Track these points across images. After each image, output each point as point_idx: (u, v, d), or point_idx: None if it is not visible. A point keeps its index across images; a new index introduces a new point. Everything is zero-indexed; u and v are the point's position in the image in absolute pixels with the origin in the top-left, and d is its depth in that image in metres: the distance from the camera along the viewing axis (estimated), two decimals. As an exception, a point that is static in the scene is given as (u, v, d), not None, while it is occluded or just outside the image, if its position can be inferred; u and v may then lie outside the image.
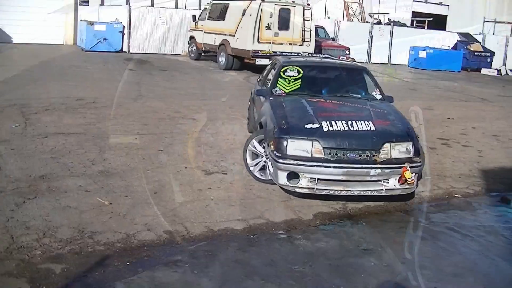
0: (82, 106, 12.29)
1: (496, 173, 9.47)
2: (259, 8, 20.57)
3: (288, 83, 8.79)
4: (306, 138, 7.05)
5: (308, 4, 22.00)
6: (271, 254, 5.53)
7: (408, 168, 7.09)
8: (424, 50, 31.10)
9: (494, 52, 33.87)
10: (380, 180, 7.14)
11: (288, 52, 16.44)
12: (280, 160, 6.93)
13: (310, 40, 21.81)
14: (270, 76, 9.64)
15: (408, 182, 7.16)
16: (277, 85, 8.78)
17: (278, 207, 6.92)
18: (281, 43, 21.07)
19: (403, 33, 33.49)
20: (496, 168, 9.78)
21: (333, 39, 27.50)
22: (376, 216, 6.97)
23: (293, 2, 21.34)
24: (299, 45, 21.38)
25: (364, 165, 7.00)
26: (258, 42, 20.74)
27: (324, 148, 6.99)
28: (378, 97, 8.93)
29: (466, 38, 34.48)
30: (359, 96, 8.93)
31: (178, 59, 25.50)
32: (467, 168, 9.55)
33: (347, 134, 7.17)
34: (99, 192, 6.89)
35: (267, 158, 7.60)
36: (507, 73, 33.26)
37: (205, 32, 23.93)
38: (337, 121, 7.32)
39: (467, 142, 11.73)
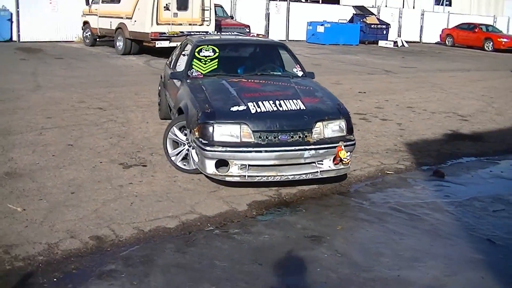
0: (-26, 101, 11.23)
1: (421, 146, 9.35)
2: (156, -12, 19.71)
3: (205, 64, 8.22)
4: (233, 122, 6.54)
5: (207, -17, 21.31)
6: (214, 254, 5.00)
7: (343, 147, 6.75)
8: (322, 25, 31.20)
9: (389, 24, 34.52)
10: (314, 162, 6.76)
11: (196, 32, 15.73)
12: (207, 148, 6.39)
13: (210, 20, 21.20)
14: (182, 58, 9.04)
15: (343, 162, 6.84)
16: (193, 66, 8.19)
17: (208, 199, 6.39)
18: (181, 24, 20.33)
19: (299, 8, 33.48)
20: (419, 141, 9.66)
21: (231, 17, 26.96)
22: (313, 201, 6.58)
23: (191, -20, 20.64)
24: (199, 25, 20.77)
25: (297, 147, 6.59)
26: (157, 24, 19.89)
27: (253, 131, 6.51)
28: (300, 73, 8.54)
29: (362, 11, 34.91)
30: (280, 73, 8.51)
31: (73, 46, 24.26)
32: (392, 143, 9.36)
33: (277, 115, 6.72)
34: (9, 198, 6.12)
35: (190, 146, 7.06)
36: (403, 45, 33.97)
37: (99, 16, 22.77)
38: (264, 102, 6.86)
39: (384, 115, 11.60)
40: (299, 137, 6.64)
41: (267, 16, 31.65)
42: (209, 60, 8.26)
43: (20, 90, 12.64)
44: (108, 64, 18.85)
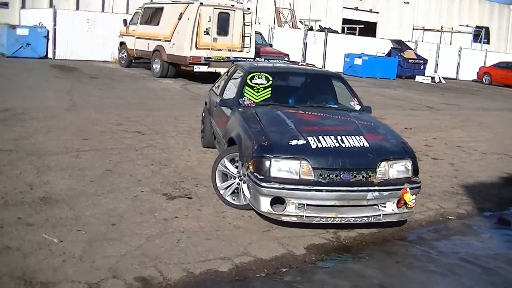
0: (9, 118, 10.85)
1: (479, 189, 8.70)
2: (197, 12, 19.42)
3: (257, 92, 7.73)
4: (292, 157, 5.98)
5: (248, 8, 20.99)
6: (277, 307, 4.42)
7: (408, 190, 6.16)
8: (359, 57, 30.69)
9: (427, 60, 33.92)
10: (377, 205, 6.18)
11: (242, 58, 15.19)
12: (263, 184, 5.83)
13: (250, 46, 20.85)
14: (231, 85, 8.57)
15: (408, 206, 6.24)
16: (245, 94, 7.69)
17: (261, 239, 5.81)
18: (220, 49, 20.01)
19: (337, 39, 33.09)
20: (476, 184, 9.01)
21: (270, 45, 26.59)
22: (375, 247, 5.96)
23: (233, 6, 20.31)
24: (239, 51, 20.40)
25: (360, 188, 6.01)
26: (196, 48, 19.57)
27: (314, 168, 5.94)
28: (357, 107, 8.00)
29: (399, 45, 34.35)
30: (337, 106, 7.97)
31: (108, 66, 24.07)
32: (448, 184, 8.73)
33: (339, 152, 6.15)
34: (44, 226, 5.61)
35: (241, 180, 6.50)
36: (440, 81, 33.30)
37: (137, 38, 22.56)
38: (324, 137, 6.30)
39: (435, 154, 10.97)
40: (363, 176, 6.06)
41: (305, 45, 31.27)
42: (262, 89, 7.77)
43: (55, 109, 12.26)
44: (145, 86, 18.49)
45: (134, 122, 11.44)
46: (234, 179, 6.62)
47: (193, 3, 19.68)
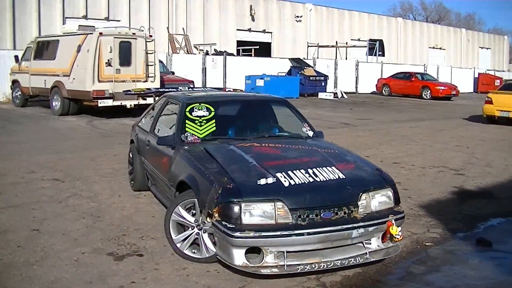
0: None
1: (438, 208, 8.26)
2: (97, 42, 18.19)
3: (200, 126, 6.86)
4: (265, 199, 5.15)
5: (150, 36, 20.01)
6: None
7: (393, 221, 5.50)
8: (261, 79, 30.19)
9: (327, 76, 33.97)
10: (361, 242, 5.45)
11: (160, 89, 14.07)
12: (236, 234, 4.97)
13: (155, 75, 19.86)
14: (164, 120, 7.68)
15: (394, 240, 5.56)
16: (187, 129, 6.80)
17: (240, 299, 4.95)
18: (124, 81, 18.87)
19: (235, 62, 32.58)
20: (433, 202, 8.58)
21: (172, 72, 25.63)
22: (366, 291, 5.22)
23: (134, 34, 19.30)
24: (143, 81, 19.33)
25: (344, 226, 5.28)
26: (99, 81, 18.34)
27: (291, 209, 5.14)
28: (310, 133, 7.33)
29: (299, 63, 34.26)
30: (290, 134, 7.24)
31: (1, 107, 22.28)
32: (406, 206, 8.12)
33: (315, 187, 5.41)
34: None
35: (200, 229, 5.60)
36: (342, 96, 33.45)
37: (31, 74, 21.00)
38: (294, 171, 5.55)
39: (377, 173, 10.43)
40: (345, 213, 5.34)
41: (204, 70, 30.53)
42: (204, 121, 6.91)
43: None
44: (47, 126, 17.09)
45: (48, 168, 10.23)
46: (192, 229, 5.69)
47: (91, 33, 18.50)
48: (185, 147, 6.44)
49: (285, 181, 5.35)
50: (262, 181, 5.33)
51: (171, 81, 22.18)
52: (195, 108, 6.99)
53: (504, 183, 10.16)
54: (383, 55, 44.82)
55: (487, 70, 52.55)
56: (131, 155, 8.81)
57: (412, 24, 59.83)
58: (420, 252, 6.33)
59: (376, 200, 5.58)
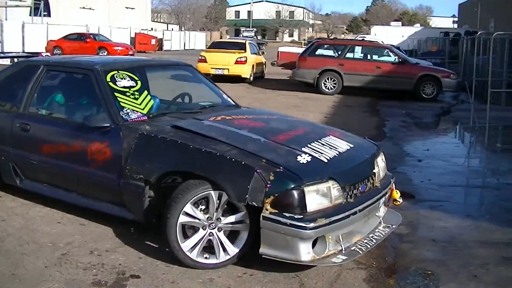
0: None
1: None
2: None
3: (135, 99, 5.56)
4: (320, 180, 4.59)
5: None
6: None
7: (393, 185, 5.52)
8: None
9: None
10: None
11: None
12: (311, 225, 4.31)
13: None
14: (45, 95, 6.18)
15: (396, 203, 5.56)
16: (122, 104, 5.46)
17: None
18: None
19: None
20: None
21: None
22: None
23: None
24: None
25: (375, 197, 5.05)
26: None
27: (342, 188, 4.70)
28: (233, 102, 6.71)
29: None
30: (221, 103, 6.57)
31: None
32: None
33: (346, 160, 5.05)
34: None
35: (213, 228, 4.67)
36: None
37: None
38: (315, 145, 5.07)
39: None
40: (371, 183, 5.11)
41: None
42: (137, 93, 5.63)
43: None
44: None
45: None
46: (204, 229, 4.69)
47: None
48: (146, 127, 5.16)
49: (319, 156, 4.86)
50: (302, 160, 4.73)
51: None
52: (116, 76, 5.64)
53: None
54: (49, 16, 42.23)
55: (142, 29, 53.27)
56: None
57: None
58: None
59: (380, 166, 5.43)
